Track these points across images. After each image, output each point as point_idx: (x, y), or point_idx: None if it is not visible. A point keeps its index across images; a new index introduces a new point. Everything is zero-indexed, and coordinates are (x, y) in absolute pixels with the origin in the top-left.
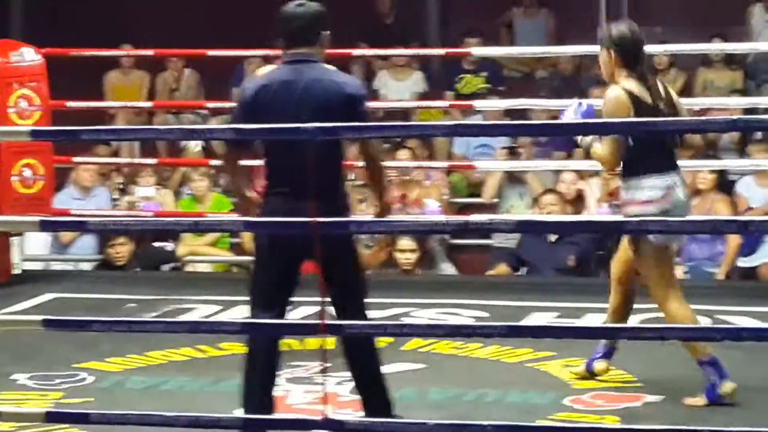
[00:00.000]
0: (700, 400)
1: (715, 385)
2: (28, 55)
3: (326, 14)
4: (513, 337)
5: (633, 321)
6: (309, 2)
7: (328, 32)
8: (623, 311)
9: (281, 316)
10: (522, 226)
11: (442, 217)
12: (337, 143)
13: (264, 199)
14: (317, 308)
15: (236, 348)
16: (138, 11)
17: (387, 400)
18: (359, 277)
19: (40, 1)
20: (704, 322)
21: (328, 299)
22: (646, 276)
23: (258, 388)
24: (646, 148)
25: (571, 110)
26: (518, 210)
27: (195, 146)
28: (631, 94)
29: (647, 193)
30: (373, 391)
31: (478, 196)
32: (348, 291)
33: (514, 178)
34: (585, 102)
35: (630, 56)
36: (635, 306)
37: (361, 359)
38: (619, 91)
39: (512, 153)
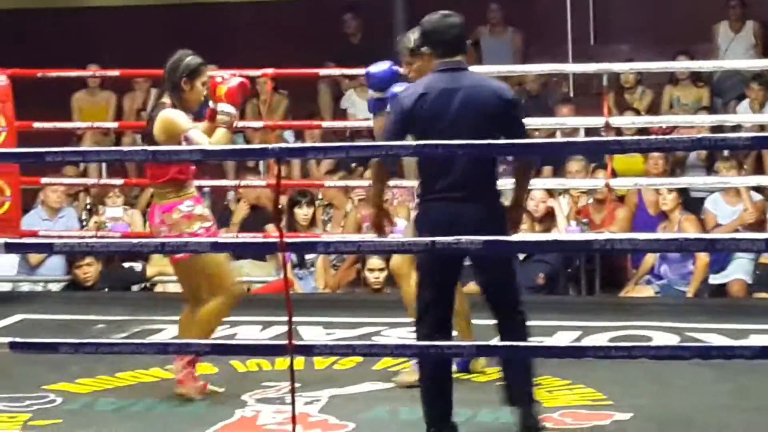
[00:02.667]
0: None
1: None
2: None
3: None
4: (483, 356)
5: (601, 339)
6: (453, 12)
7: (470, 41)
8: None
9: (442, 328)
10: (489, 246)
11: (409, 238)
12: None
13: (421, 205)
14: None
15: (206, 368)
16: (105, 31)
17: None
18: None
19: (6, 22)
20: (673, 339)
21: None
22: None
23: (430, 408)
24: None
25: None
26: None
27: None
28: None
29: None
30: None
31: None
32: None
33: None
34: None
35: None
36: (604, 324)
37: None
38: None
39: None
